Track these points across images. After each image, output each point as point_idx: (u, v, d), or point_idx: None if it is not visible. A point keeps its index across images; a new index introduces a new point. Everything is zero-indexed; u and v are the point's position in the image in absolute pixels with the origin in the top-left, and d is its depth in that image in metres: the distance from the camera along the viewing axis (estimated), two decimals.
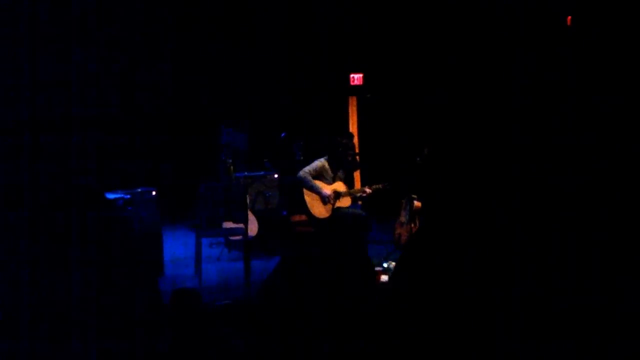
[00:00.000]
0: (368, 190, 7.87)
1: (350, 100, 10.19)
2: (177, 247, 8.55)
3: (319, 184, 7.65)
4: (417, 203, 7.83)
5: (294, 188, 7.93)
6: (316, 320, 3.95)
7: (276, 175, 8.97)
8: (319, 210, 7.67)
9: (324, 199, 7.63)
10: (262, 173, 8.96)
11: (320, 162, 7.75)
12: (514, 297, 3.95)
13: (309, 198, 7.66)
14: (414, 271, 4.45)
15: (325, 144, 7.97)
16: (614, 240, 4.02)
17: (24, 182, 4.18)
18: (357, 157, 8.61)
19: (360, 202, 8.18)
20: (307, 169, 7.70)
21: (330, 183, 7.75)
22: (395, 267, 6.21)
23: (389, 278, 6.10)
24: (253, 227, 8.13)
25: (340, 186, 7.80)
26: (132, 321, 3.94)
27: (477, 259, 4.19)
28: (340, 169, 7.87)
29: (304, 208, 7.69)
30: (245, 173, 8.94)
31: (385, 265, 6.43)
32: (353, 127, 10.46)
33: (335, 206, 7.71)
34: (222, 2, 10.56)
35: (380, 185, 7.89)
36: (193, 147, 10.30)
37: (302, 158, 8.78)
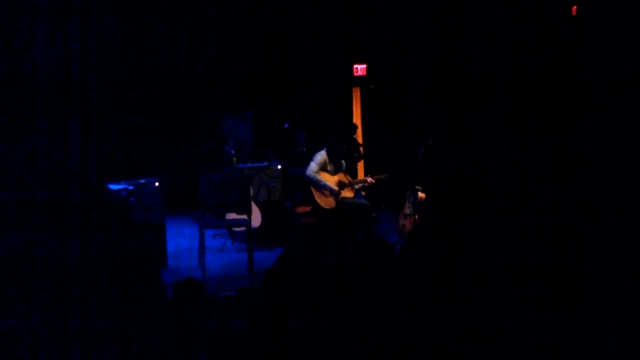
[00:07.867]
0: (370, 179, 7.88)
1: (354, 91, 10.15)
2: (180, 238, 8.54)
3: (325, 178, 7.64)
4: (421, 194, 7.83)
5: (301, 182, 7.90)
6: (317, 312, 3.95)
7: (279, 167, 8.95)
8: (326, 201, 7.69)
9: (334, 195, 7.65)
10: (265, 164, 8.94)
11: (322, 155, 7.74)
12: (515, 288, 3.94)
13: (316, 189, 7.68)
14: (416, 261, 4.45)
15: (326, 135, 7.96)
16: None
17: (27, 173, 4.16)
18: (361, 148, 8.59)
19: (364, 193, 8.17)
20: (314, 166, 7.65)
21: (332, 174, 7.75)
22: (399, 257, 6.19)
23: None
24: (256, 218, 8.12)
25: (342, 177, 7.80)
26: (136, 314, 3.94)
27: (477, 250, 4.18)
28: (341, 160, 7.86)
29: (310, 199, 7.68)
30: (249, 164, 8.92)
31: None
32: (357, 118, 10.43)
33: (340, 197, 7.71)
34: None
35: (382, 176, 7.89)
36: (197, 138, 10.27)
37: (305, 149, 8.75)
